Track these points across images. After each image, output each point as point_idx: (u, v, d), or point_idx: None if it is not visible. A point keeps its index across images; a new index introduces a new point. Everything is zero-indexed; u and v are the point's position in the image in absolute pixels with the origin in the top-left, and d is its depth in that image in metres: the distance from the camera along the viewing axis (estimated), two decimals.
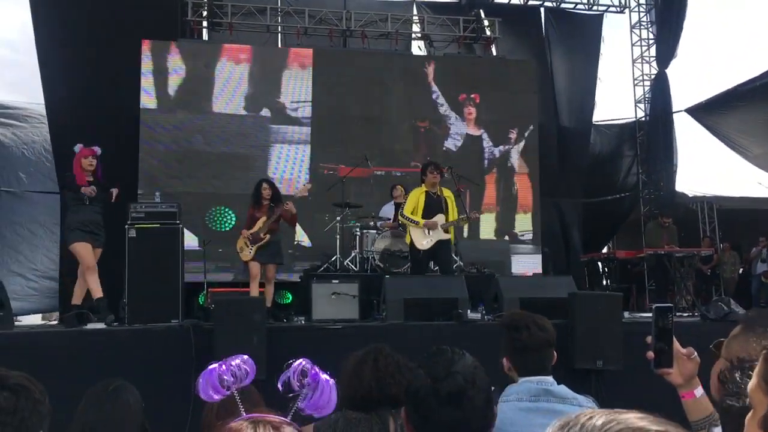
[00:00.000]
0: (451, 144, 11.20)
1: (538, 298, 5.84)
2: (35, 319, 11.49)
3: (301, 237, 10.46)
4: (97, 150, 6.55)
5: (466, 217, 7.64)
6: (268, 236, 7.18)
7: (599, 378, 5.39)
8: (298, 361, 1.34)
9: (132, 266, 7.14)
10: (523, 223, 11.31)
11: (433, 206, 7.32)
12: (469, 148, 11.20)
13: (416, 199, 7.42)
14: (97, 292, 6.37)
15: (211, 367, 1.30)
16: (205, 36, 11.51)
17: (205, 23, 11.36)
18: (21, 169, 10.33)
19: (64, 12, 10.26)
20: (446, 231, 7.25)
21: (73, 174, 6.44)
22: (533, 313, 2.81)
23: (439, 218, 7.28)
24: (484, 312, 6.14)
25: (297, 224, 8.59)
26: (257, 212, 7.32)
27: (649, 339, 1.83)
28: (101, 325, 5.59)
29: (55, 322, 10.10)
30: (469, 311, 5.96)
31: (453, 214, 7.39)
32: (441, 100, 11.25)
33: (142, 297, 6.65)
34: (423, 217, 7.27)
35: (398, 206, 9.12)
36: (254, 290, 7.26)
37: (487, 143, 11.32)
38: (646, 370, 1.84)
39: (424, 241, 7.34)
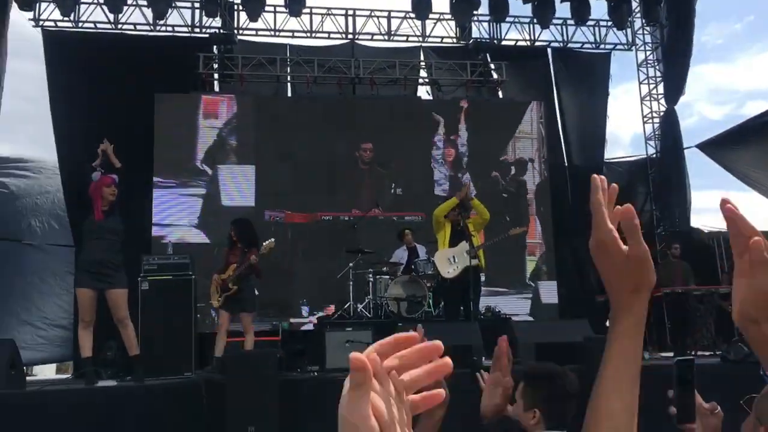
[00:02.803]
0: (439, 190, 11.15)
1: (553, 343, 5.77)
2: (50, 370, 11.47)
3: None
4: (116, 178, 6.18)
5: (505, 236, 7.97)
6: (235, 287, 6.78)
7: None
8: None
9: (145, 319, 7.18)
10: None
11: (457, 236, 7.60)
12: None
13: (443, 229, 7.76)
14: (85, 350, 5.86)
15: None
16: (216, 88, 11.68)
17: (216, 75, 11.54)
18: (33, 217, 10.42)
19: (78, 66, 10.47)
20: (473, 257, 7.31)
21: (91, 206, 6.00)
22: (547, 359, 2.81)
23: (463, 246, 7.37)
24: None
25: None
26: (231, 255, 6.99)
27: (670, 393, 1.78)
28: (113, 382, 5.56)
29: (69, 376, 10.06)
30: (483, 358, 5.88)
31: (477, 240, 7.61)
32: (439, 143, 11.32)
33: (155, 349, 6.65)
34: (449, 247, 7.60)
35: (411, 251, 9.14)
36: (220, 342, 6.86)
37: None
38: (666, 415, 1.79)
39: (449, 269, 7.43)
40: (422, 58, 12.49)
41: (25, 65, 10.66)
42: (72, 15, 11.02)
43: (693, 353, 8.83)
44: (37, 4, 10.99)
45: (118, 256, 6.09)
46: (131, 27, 11.39)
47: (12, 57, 10.22)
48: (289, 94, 11.85)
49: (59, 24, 11.04)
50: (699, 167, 18.02)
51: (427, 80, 12.39)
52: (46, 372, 10.90)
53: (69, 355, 9.97)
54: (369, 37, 12.34)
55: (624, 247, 0.99)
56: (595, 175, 0.99)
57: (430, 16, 12.16)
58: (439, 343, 0.67)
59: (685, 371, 1.76)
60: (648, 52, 13.65)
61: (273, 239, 7.01)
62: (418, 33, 12.49)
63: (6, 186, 10.35)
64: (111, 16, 11.23)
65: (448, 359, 0.66)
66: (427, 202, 10.17)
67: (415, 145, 11.30)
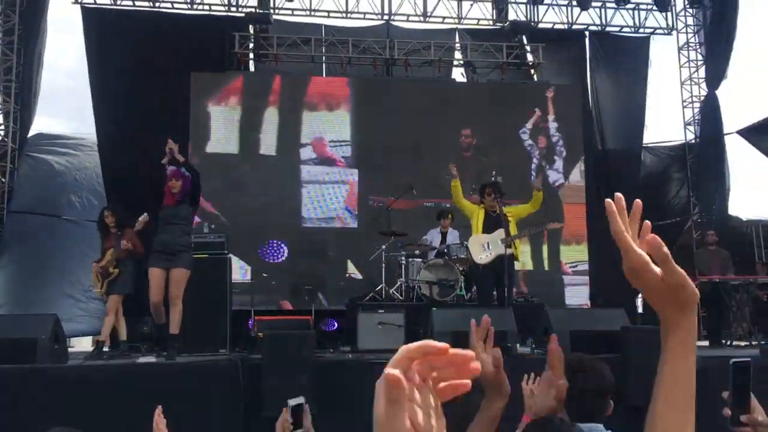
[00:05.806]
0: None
1: (589, 331, 5.72)
2: (87, 343, 11.71)
3: (352, 270, 10.44)
4: (176, 170, 6.50)
5: (541, 229, 7.98)
6: (116, 270, 6.86)
7: None
8: None
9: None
10: (574, 254, 11.16)
11: (492, 223, 7.45)
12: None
13: (476, 214, 7.57)
14: (158, 318, 6.39)
15: None
16: (251, 67, 11.69)
17: (251, 55, 11.54)
18: (74, 193, 10.68)
19: (116, 43, 10.57)
20: (508, 246, 7.24)
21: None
22: (586, 352, 2.76)
23: (499, 233, 7.30)
24: (533, 346, 6.02)
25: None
26: (106, 242, 7.07)
27: (725, 395, 1.75)
28: (152, 358, 5.65)
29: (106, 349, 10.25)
30: (518, 345, 5.87)
31: (514, 229, 7.46)
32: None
33: (190, 327, 6.73)
34: (483, 233, 7.44)
35: (444, 234, 9.11)
36: (108, 325, 6.87)
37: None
38: (707, 408, 1.74)
39: (482, 255, 7.37)
40: (457, 39, 12.37)
41: (66, 38, 10.82)
42: None
43: (729, 343, 8.71)
44: None
45: (185, 239, 6.45)
46: (169, 5, 11.42)
47: (54, 30, 10.36)
48: (324, 75, 11.80)
49: (98, 0, 11.08)
50: (741, 153, 17.66)
51: (461, 62, 12.28)
52: (83, 343, 11.12)
53: None
54: (404, 18, 12.25)
55: (657, 269, 0.98)
56: (609, 200, 0.99)
57: None
58: (471, 353, 0.67)
59: (742, 373, 1.72)
60: (690, 35, 13.38)
61: (146, 213, 6.80)
62: (454, 15, 12.37)
63: (48, 163, 10.56)
64: None
65: (477, 364, 0.67)
66: (523, 190, 9.69)
67: (509, 132, 11.31)
